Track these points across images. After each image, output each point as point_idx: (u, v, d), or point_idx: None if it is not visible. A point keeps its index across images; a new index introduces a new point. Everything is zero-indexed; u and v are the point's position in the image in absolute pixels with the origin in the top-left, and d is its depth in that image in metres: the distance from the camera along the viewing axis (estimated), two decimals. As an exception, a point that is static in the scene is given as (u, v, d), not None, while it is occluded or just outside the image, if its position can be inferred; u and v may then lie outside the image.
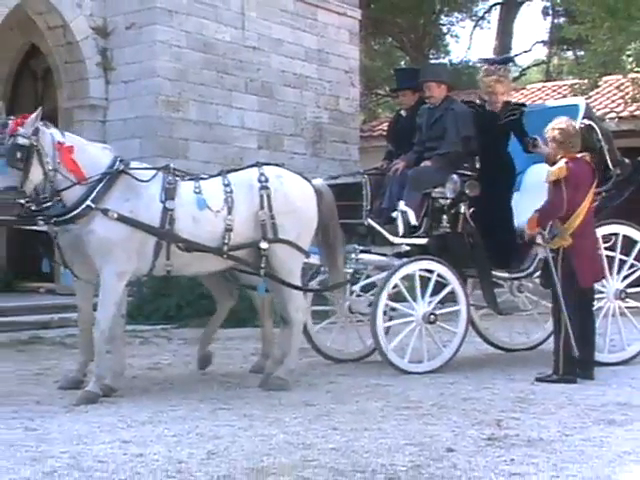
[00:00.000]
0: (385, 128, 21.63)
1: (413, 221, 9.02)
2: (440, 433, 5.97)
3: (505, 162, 9.37)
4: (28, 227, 8.28)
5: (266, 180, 7.95)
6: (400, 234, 9.00)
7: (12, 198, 7.21)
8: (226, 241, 7.72)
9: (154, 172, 7.69)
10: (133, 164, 7.77)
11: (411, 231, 9.06)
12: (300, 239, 8.07)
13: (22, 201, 7.41)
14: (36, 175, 7.25)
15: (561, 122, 8.39)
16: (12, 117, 7.46)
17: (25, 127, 7.26)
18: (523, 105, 9.94)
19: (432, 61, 32.18)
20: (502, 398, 7.30)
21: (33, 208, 7.66)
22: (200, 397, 7.41)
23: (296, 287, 8.14)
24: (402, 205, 9.03)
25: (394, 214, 9.06)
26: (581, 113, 9.42)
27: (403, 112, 10.42)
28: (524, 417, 6.50)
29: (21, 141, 7.18)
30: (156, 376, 8.73)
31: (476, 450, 5.50)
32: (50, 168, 7.29)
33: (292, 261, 8.08)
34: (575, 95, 18.00)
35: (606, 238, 9.09)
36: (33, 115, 7.35)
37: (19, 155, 7.14)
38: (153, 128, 16.58)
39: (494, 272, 9.17)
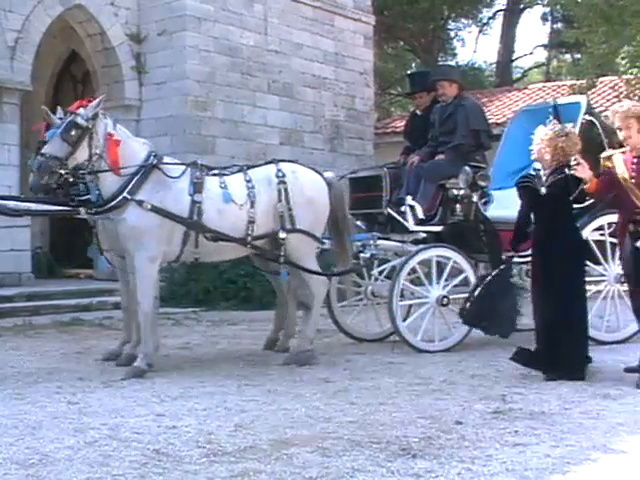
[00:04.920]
0: (397, 125, 21.79)
1: (420, 215, 9.02)
2: (449, 407, 5.97)
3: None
4: (73, 215, 8.26)
5: (283, 175, 8.01)
6: (411, 225, 8.99)
7: (53, 167, 7.15)
8: (249, 232, 7.77)
9: (184, 167, 7.72)
10: (166, 159, 7.79)
11: (427, 220, 9.06)
12: (314, 228, 8.11)
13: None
14: (82, 155, 7.30)
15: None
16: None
17: (87, 110, 7.32)
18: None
19: (444, 63, 32.17)
20: (506, 375, 7.28)
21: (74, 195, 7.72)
22: (227, 374, 7.42)
23: (311, 271, 8.16)
24: (410, 200, 9.03)
25: (402, 208, 9.05)
26: (583, 110, 9.40)
27: (418, 111, 10.40)
28: (527, 392, 6.49)
29: (79, 121, 7.25)
30: (187, 355, 8.75)
31: (483, 423, 5.49)
32: (96, 152, 7.33)
33: (307, 248, 8.13)
34: (574, 94, 17.92)
35: (609, 226, 9.03)
36: (95, 101, 7.44)
37: (73, 132, 7.22)
38: (183, 126, 16.62)
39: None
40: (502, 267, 7.83)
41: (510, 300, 7.75)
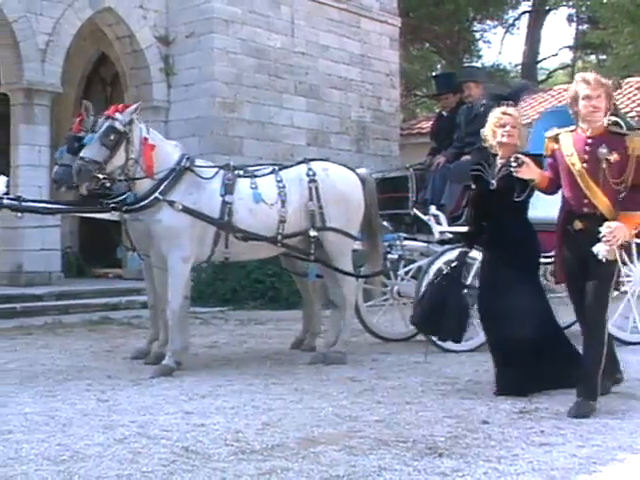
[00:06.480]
0: (423, 126, 21.73)
1: (444, 223, 9.01)
2: (475, 407, 5.95)
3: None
4: (103, 217, 8.34)
5: (314, 174, 8.01)
6: (436, 234, 8.98)
7: (92, 171, 7.22)
8: (280, 231, 7.79)
9: (216, 170, 7.77)
10: (198, 161, 7.83)
11: (453, 220, 9.06)
12: (348, 226, 8.09)
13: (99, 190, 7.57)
14: (119, 159, 7.36)
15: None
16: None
17: (124, 115, 7.40)
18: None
19: (469, 64, 32.05)
20: (532, 375, 7.25)
21: (108, 199, 7.79)
22: (255, 373, 7.43)
23: (344, 272, 8.15)
24: (433, 209, 9.02)
25: (426, 217, 9.04)
26: None
27: (444, 112, 10.41)
28: (553, 392, 6.42)
29: (117, 125, 7.31)
30: (215, 354, 8.78)
31: (509, 422, 5.47)
32: (132, 157, 7.40)
33: (341, 247, 8.10)
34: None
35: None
36: (133, 107, 7.53)
37: (112, 137, 7.28)
38: (211, 127, 16.68)
39: None
40: (453, 265, 7.06)
41: (459, 301, 6.96)
